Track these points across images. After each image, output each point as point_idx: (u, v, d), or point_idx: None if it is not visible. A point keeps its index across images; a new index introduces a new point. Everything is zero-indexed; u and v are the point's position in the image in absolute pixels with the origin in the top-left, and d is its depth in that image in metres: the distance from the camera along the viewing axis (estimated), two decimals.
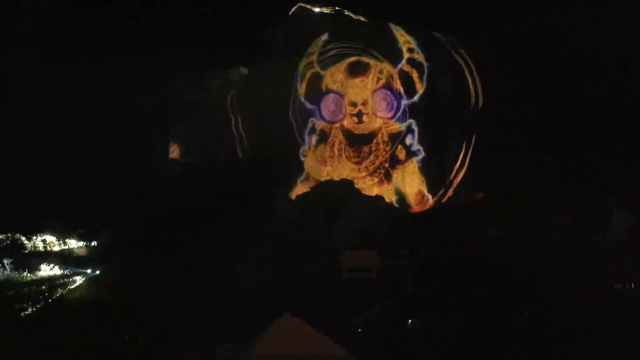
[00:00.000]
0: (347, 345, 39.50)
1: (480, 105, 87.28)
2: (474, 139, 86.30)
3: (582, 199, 64.16)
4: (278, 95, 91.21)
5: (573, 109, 75.46)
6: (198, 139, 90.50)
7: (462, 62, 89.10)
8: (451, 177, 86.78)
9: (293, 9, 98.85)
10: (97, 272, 62.82)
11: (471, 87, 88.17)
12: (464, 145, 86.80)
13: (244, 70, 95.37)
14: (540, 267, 56.33)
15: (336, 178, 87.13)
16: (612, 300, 49.99)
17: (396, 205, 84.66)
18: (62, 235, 72.29)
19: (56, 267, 64.40)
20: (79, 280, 61.21)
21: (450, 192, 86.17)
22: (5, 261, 62.36)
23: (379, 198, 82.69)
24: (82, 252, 70.79)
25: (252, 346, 39.83)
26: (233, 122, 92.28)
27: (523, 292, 51.96)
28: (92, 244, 73.21)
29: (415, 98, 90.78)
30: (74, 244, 72.37)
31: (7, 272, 61.39)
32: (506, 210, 68.65)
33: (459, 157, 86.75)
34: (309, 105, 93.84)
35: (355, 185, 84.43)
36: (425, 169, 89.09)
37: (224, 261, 62.78)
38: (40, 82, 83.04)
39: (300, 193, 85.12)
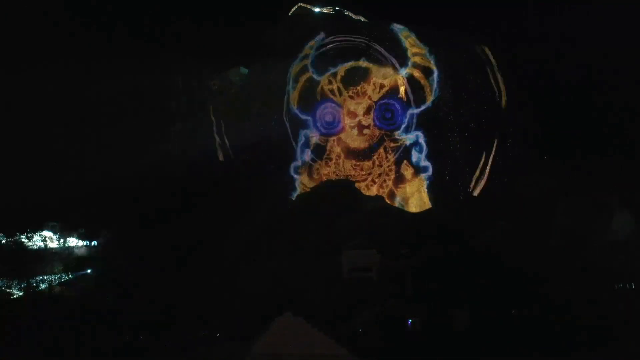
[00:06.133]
0: (347, 345, 39.62)
1: (504, 108, 79.35)
2: (495, 145, 78.46)
3: (582, 199, 64.13)
4: (274, 98, 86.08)
5: (573, 109, 75.50)
6: (198, 138, 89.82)
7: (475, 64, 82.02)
8: (470, 189, 78.54)
9: (293, 9, 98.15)
10: (97, 272, 62.79)
11: (493, 85, 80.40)
12: (483, 154, 78.83)
13: (244, 70, 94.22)
14: (540, 267, 56.33)
15: None
16: (612, 300, 49.96)
17: (396, 205, 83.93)
18: (62, 235, 72.19)
19: (56, 266, 64.14)
20: (79, 279, 61.14)
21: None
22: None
23: (379, 198, 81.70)
24: (82, 252, 70.72)
25: (253, 345, 39.92)
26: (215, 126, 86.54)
27: (523, 292, 52.00)
28: (92, 243, 73.15)
29: (424, 107, 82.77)
30: (73, 243, 72.26)
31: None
32: (506, 210, 68.64)
33: (476, 168, 78.27)
34: (302, 116, 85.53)
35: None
36: (435, 187, 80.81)
37: (224, 261, 62.84)
38: (40, 82, 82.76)
39: (302, 188, 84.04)
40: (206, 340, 49.24)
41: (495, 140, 79.48)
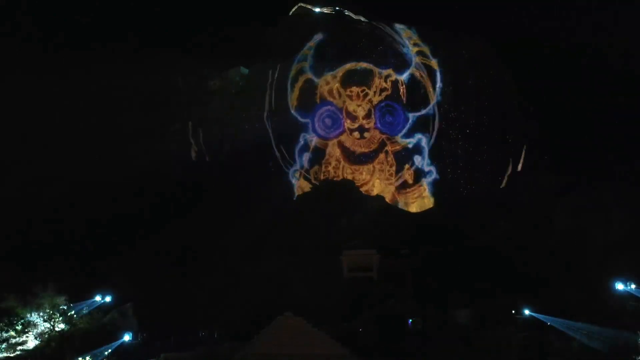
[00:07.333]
0: (348, 345, 39.68)
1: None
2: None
3: (582, 199, 64.23)
4: (273, 99, 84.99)
5: (573, 108, 75.59)
6: (198, 138, 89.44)
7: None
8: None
9: (293, 9, 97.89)
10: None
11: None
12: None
13: (244, 70, 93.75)
14: (540, 267, 56.43)
15: None
16: (612, 300, 50.01)
17: (396, 206, 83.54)
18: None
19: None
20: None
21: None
22: None
23: (379, 198, 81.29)
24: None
25: (253, 345, 39.98)
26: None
27: (523, 292, 52.03)
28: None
29: (426, 109, 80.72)
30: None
31: None
32: (506, 210, 68.68)
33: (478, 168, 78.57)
34: (301, 118, 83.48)
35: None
36: (439, 193, 78.58)
37: (224, 261, 62.88)
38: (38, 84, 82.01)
39: (300, 193, 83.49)
40: (206, 340, 49.29)
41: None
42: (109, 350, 45.73)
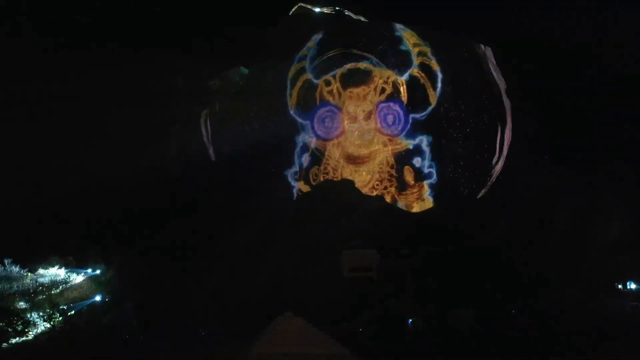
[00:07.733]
0: (347, 345, 39.70)
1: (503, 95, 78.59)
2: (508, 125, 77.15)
3: (583, 199, 64.23)
4: (272, 100, 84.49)
5: (573, 108, 75.54)
6: (197, 139, 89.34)
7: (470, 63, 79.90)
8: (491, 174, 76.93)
9: (293, 9, 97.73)
10: (98, 271, 62.71)
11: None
12: (497, 136, 77.55)
13: (244, 70, 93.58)
14: (540, 267, 56.48)
15: None
16: (612, 300, 50.09)
17: (397, 205, 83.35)
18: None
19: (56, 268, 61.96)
20: (79, 279, 60.94)
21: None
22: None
23: (379, 198, 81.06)
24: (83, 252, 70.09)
25: (253, 345, 39.98)
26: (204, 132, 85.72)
27: (523, 292, 52.11)
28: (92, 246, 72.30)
29: (428, 110, 79.93)
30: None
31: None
32: (506, 210, 68.70)
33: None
34: (299, 119, 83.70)
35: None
36: (438, 194, 78.41)
37: (224, 261, 62.87)
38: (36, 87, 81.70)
39: (300, 193, 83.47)
40: (206, 340, 49.32)
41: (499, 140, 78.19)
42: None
